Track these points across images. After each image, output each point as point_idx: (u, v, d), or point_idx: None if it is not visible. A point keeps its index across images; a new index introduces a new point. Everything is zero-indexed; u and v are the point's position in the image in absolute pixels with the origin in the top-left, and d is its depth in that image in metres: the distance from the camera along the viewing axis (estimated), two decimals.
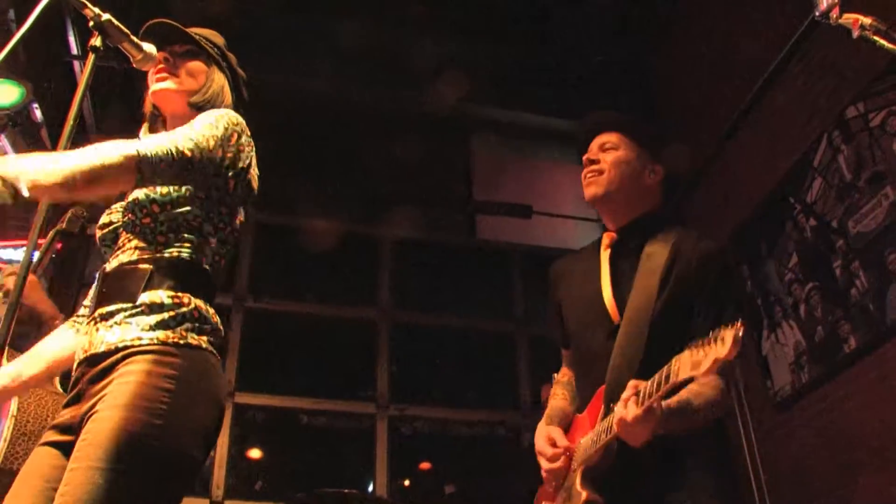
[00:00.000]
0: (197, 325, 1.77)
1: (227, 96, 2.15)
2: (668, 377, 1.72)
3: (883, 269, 3.82)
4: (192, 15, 5.14)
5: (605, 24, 6.24)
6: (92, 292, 1.87)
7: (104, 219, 1.99)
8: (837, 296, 4.13)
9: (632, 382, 1.85)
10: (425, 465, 6.40)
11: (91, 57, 1.78)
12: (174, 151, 1.76)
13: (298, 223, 6.08)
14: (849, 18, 1.76)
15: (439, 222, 6.71)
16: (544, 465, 2.19)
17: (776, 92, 4.80)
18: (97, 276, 1.87)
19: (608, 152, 2.34)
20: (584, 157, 2.36)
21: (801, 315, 4.41)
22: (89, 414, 1.63)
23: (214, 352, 1.79)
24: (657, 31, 6.23)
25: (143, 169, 1.70)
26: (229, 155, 1.90)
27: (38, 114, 4.83)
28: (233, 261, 2.03)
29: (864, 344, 3.90)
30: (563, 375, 2.51)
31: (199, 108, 2.03)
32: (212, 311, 1.84)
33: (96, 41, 1.81)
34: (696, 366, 1.62)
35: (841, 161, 4.21)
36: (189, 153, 1.79)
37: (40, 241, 3.13)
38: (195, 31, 2.16)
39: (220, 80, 2.14)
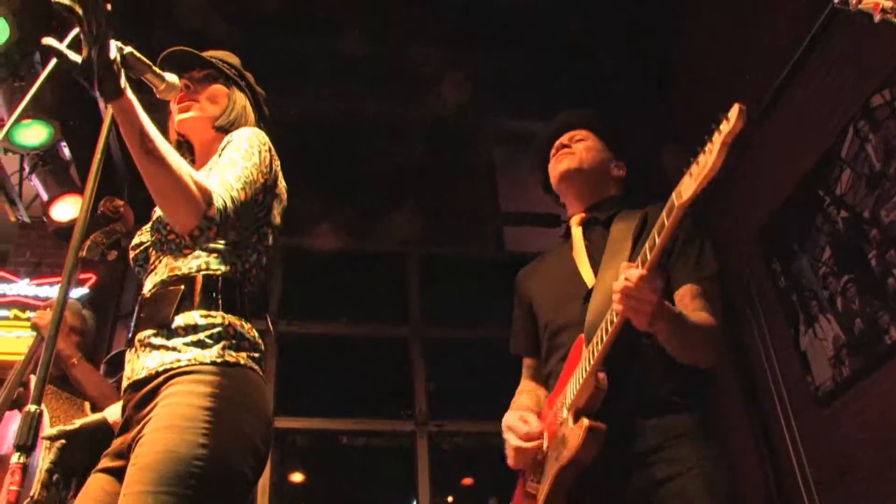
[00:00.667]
0: (234, 342, 1.80)
1: (250, 115, 2.20)
2: (670, 208, 1.71)
3: None
4: (192, 34, 5.20)
5: (621, 29, 6.23)
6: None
7: (136, 240, 2.06)
8: (874, 287, 4.07)
9: (624, 262, 1.86)
10: (467, 481, 6.38)
11: None
12: (235, 200, 1.82)
13: (327, 245, 6.10)
14: (869, 3, 1.75)
15: (467, 236, 6.72)
16: (513, 441, 2.16)
17: (798, 86, 4.75)
18: (137, 302, 1.91)
19: (578, 142, 2.49)
20: (557, 143, 2.51)
21: (838, 308, 4.35)
22: (137, 438, 1.66)
23: (255, 367, 1.81)
24: (672, 32, 6.21)
25: (213, 218, 1.77)
26: (266, 177, 1.96)
27: (66, 152, 4.90)
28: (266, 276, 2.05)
29: None
30: (525, 386, 2.53)
31: (224, 131, 2.09)
32: (247, 325, 1.86)
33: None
34: (702, 169, 1.63)
35: (869, 150, 4.16)
36: (242, 195, 1.85)
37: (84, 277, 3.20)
38: (211, 53, 2.22)
39: (241, 101, 2.20)
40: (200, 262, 1.87)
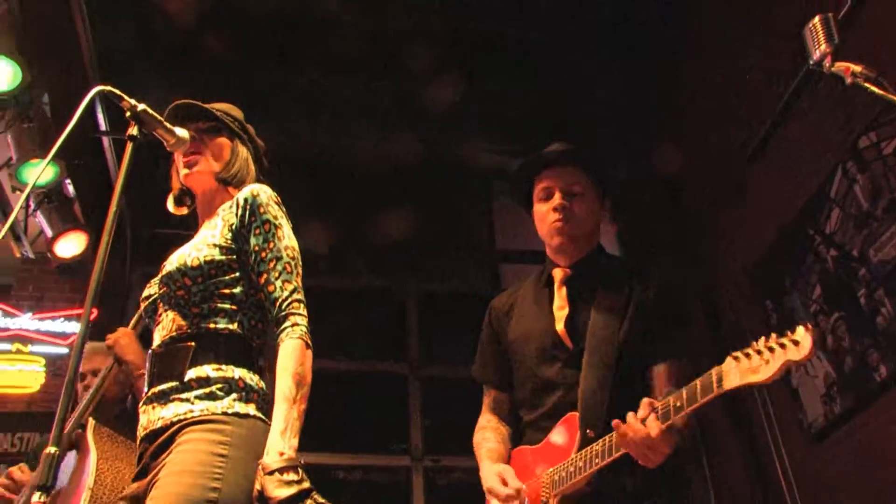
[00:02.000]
0: (243, 393, 1.93)
1: (252, 168, 2.30)
2: (708, 388, 1.76)
3: None
4: (192, 71, 5.30)
5: (621, 71, 6.33)
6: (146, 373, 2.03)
7: (146, 291, 2.16)
8: (864, 325, 4.12)
9: (646, 400, 1.90)
10: None
11: (129, 146, 1.90)
12: (302, 301, 2.03)
13: (324, 282, 6.16)
14: (840, 67, 1.87)
15: (464, 273, 6.76)
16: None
17: (788, 127, 4.85)
18: (148, 356, 2.03)
19: (576, 201, 2.44)
20: (555, 204, 2.43)
21: (828, 346, 4.40)
22: (153, 482, 1.79)
23: (262, 417, 1.94)
24: (667, 72, 6.32)
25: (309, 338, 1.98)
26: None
27: (70, 189, 5.01)
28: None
29: (895, 372, 3.88)
30: (488, 422, 2.56)
31: (226, 183, 2.21)
32: (256, 377, 1.99)
33: (133, 130, 1.94)
34: (753, 372, 1.69)
35: (857, 191, 4.24)
36: (300, 284, 2.05)
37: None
38: (215, 106, 2.31)
39: (244, 154, 2.30)
40: (209, 321, 1.99)
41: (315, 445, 5.71)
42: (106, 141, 5.39)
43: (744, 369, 1.70)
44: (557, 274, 2.46)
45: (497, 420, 2.55)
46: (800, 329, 1.64)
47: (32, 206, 4.92)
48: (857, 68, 1.85)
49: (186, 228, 2.27)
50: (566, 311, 2.35)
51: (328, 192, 6.36)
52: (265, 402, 1.97)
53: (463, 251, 6.81)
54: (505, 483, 2.22)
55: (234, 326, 2.00)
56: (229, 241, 2.05)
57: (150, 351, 2.04)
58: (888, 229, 3.99)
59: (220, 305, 2.00)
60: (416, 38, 5.92)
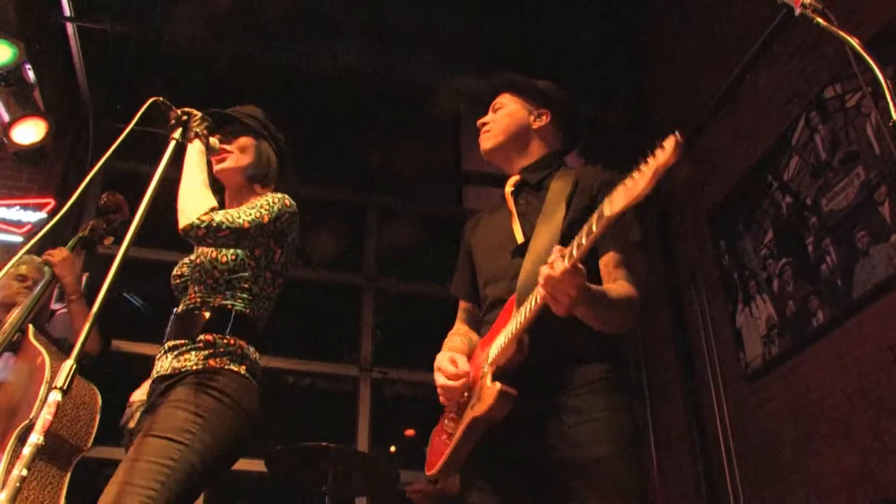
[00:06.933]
0: (239, 358, 2.37)
1: (274, 161, 2.76)
2: (600, 217, 1.73)
3: (852, 246, 3.93)
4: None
5: (594, 3, 6.29)
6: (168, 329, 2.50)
7: (177, 270, 2.60)
8: (808, 271, 4.25)
9: (556, 247, 1.88)
10: (410, 432, 6.56)
11: (170, 146, 2.28)
12: (235, 223, 2.32)
13: (288, 190, 6.12)
14: None
15: (427, 192, 6.79)
16: (440, 380, 2.25)
17: (759, 72, 4.88)
18: (172, 316, 2.50)
19: (497, 112, 2.61)
20: (479, 121, 2.63)
21: (773, 289, 4.53)
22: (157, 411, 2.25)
23: (250, 377, 2.38)
24: (643, 11, 6.29)
25: (209, 231, 2.28)
26: (278, 230, 2.48)
27: (30, 74, 4.88)
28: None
29: (831, 318, 4.02)
30: (458, 329, 2.61)
31: (253, 180, 2.68)
32: (252, 349, 2.45)
33: (177, 135, 2.33)
34: (633, 189, 1.64)
35: (818, 140, 4.31)
36: (247, 224, 2.35)
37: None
38: (238, 109, 2.74)
39: (266, 150, 2.74)
40: (227, 302, 2.43)
41: (265, 349, 5.77)
42: (70, 27, 5.25)
43: (628, 190, 1.66)
44: (508, 184, 2.54)
45: (467, 328, 2.60)
46: (669, 138, 1.59)
47: None
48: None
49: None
50: (516, 212, 2.43)
51: (298, 107, 6.30)
52: (255, 366, 2.41)
53: (427, 170, 6.81)
54: (454, 363, 2.25)
55: (243, 309, 2.43)
56: None
57: (174, 312, 2.47)
58: (842, 180, 4.08)
59: (239, 294, 2.43)
60: None
